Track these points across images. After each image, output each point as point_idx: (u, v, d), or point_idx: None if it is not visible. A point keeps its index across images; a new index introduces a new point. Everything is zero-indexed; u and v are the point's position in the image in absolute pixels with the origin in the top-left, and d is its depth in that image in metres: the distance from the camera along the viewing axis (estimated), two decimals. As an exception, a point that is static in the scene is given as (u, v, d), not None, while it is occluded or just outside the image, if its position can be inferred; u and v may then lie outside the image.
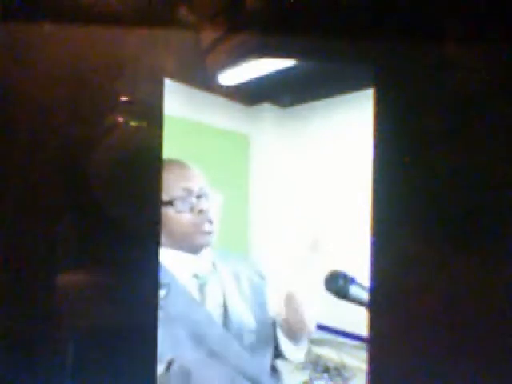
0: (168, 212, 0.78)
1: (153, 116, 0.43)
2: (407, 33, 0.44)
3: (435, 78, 0.44)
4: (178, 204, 0.78)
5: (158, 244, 0.46)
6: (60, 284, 0.42)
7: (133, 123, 0.43)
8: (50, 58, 0.42)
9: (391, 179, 0.44)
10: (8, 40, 0.41)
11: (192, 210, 0.79)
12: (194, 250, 0.81)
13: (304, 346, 0.90)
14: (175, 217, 0.78)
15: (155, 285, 0.45)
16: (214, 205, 0.82)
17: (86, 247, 0.43)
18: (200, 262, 0.82)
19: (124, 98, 0.43)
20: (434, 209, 0.44)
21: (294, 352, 0.88)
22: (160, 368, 0.61)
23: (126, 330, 0.43)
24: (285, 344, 0.87)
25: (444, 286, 0.43)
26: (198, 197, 0.80)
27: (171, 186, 0.79)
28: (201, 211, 0.79)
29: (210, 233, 0.81)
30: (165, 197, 0.78)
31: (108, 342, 0.43)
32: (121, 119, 0.43)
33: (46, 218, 0.42)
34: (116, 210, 0.43)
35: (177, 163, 0.83)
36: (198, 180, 0.82)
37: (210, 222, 0.81)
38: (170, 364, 0.62)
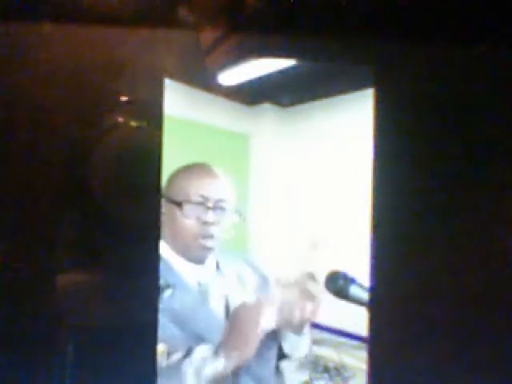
0: (175, 213, 0.75)
1: (153, 116, 0.43)
2: (407, 33, 0.44)
3: (435, 78, 0.44)
4: (186, 208, 0.75)
5: (157, 244, 0.46)
6: (60, 284, 0.42)
7: (133, 123, 0.43)
8: (50, 58, 0.42)
9: (391, 179, 0.44)
10: (8, 40, 0.41)
11: (198, 219, 0.75)
12: (193, 259, 0.79)
13: (307, 338, 0.88)
14: (180, 221, 0.75)
15: (155, 284, 0.45)
16: (226, 221, 0.79)
17: (86, 247, 0.43)
18: (201, 271, 0.80)
19: (124, 98, 0.43)
20: (434, 209, 0.44)
21: (297, 346, 0.85)
22: (177, 356, 0.62)
23: (126, 330, 0.43)
24: (288, 337, 0.84)
25: (444, 286, 0.43)
26: (213, 208, 0.76)
27: (189, 189, 0.76)
28: (205, 223, 0.76)
29: (208, 248, 0.78)
30: (179, 196, 0.75)
31: (108, 341, 0.43)
32: (121, 119, 0.43)
33: (46, 217, 0.42)
34: (116, 210, 0.43)
35: (207, 170, 0.79)
36: (220, 191, 0.78)
37: (212, 236, 0.77)
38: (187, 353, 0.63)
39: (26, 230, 0.42)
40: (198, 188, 0.76)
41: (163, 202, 0.77)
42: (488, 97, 0.44)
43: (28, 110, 0.42)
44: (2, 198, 0.42)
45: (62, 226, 0.43)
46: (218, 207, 0.77)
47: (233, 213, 0.80)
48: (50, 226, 0.42)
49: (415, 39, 0.44)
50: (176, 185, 0.78)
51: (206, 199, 0.76)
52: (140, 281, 0.44)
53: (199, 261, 0.80)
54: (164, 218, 0.77)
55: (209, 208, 0.76)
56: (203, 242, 0.77)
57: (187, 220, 0.76)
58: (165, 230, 0.78)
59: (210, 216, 0.76)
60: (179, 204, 0.75)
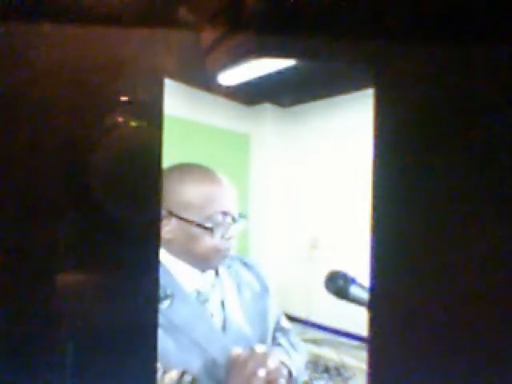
0: (198, 233, 0.74)
1: (153, 116, 0.43)
2: (407, 33, 0.44)
3: (435, 77, 0.44)
4: (216, 231, 0.74)
5: (158, 244, 0.46)
6: (60, 284, 0.42)
7: (133, 123, 0.43)
8: (50, 58, 0.42)
9: (391, 179, 0.44)
10: (8, 40, 0.41)
11: (223, 236, 0.76)
12: (205, 268, 0.79)
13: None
14: (203, 240, 0.75)
15: (155, 285, 0.45)
16: (238, 229, 0.79)
17: (86, 247, 0.43)
18: (204, 279, 0.79)
19: (124, 98, 0.43)
20: (434, 209, 0.44)
21: None
22: (172, 375, 0.62)
23: (126, 330, 0.43)
24: None
25: (444, 285, 0.43)
26: (232, 223, 0.77)
27: (212, 208, 0.74)
28: (229, 238, 0.77)
29: (227, 257, 0.80)
30: (206, 221, 0.74)
31: (108, 342, 0.43)
32: (121, 119, 0.43)
33: (46, 217, 0.42)
34: (116, 210, 0.43)
35: (217, 180, 0.78)
36: (235, 202, 0.78)
37: (232, 248, 0.78)
38: (182, 375, 0.62)
39: (25, 230, 0.42)
40: (219, 205, 0.75)
41: (174, 220, 0.75)
42: (488, 97, 0.44)
43: (28, 110, 0.42)
44: (1, 198, 0.42)
45: (62, 226, 0.43)
46: (236, 220, 0.78)
47: (239, 218, 0.80)
48: (50, 226, 0.42)
49: (415, 39, 0.44)
50: (192, 201, 0.75)
51: (227, 214, 0.76)
52: (140, 281, 0.44)
53: (210, 269, 0.80)
54: (173, 233, 0.75)
55: (230, 224, 0.76)
56: (225, 253, 0.78)
57: (213, 239, 0.75)
58: (175, 243, 0.76)
59: (233, 229, 0.77)
60: (210, 229, 0.74)
